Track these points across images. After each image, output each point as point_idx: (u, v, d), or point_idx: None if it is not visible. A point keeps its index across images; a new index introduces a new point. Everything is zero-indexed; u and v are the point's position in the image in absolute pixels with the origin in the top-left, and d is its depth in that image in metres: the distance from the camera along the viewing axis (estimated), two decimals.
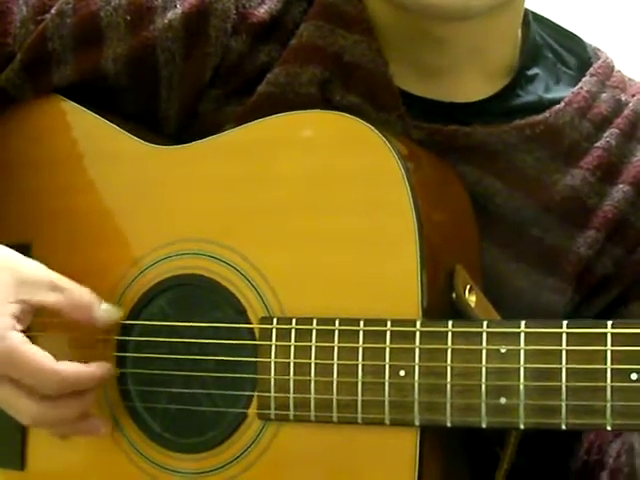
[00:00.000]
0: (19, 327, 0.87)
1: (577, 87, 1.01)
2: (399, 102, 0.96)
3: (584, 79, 1.02)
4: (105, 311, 0.91)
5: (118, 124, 0.98)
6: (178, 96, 0.99)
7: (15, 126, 1.02)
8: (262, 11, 0.98)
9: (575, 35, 1.07)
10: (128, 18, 0.97)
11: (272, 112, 0.92)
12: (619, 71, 1.04)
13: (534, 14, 1.06)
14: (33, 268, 0.90)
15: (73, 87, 1.00)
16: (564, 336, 0.79)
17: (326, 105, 0.96)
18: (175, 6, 0.97)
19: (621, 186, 0.99)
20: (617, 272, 1.00)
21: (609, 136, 1.00)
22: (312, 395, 0.86)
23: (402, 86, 0.98)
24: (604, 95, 1.01)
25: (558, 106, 0.99)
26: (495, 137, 0.97)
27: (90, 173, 0.99)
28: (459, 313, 0.86)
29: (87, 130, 0.99)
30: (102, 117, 0.99)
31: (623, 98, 1.02)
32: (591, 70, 1.03)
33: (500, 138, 0.97)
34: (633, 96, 1.03)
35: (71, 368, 0.88)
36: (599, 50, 1.06)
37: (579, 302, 1.00)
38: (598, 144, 1.00)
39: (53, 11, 0.98)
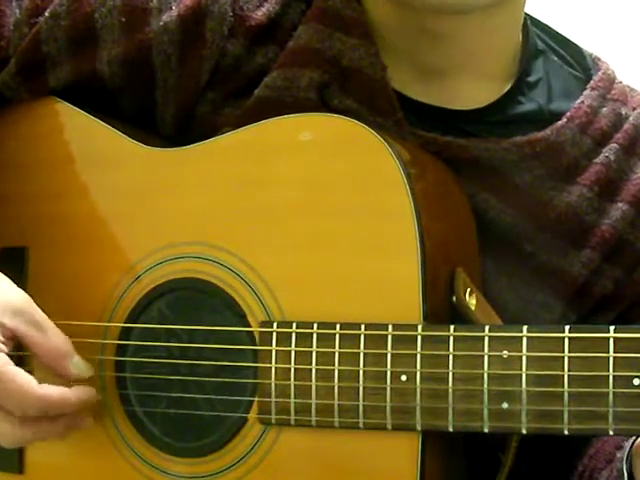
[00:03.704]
0: (4, 349, 0.86)
1: (578, 101, 1.00)
2: (396, 107, 0.96)
3: (585, 93, 1.01)
4: (76, 365, 0.89)
5: (115, 126, 0.97)
6: (174, 98, 0.99)
7: (11, 128, 1.02)
8: (260, 14, 0.97)
9: (573, 42, 1.07)
10: (123, 20, 0.96)
11: (270, 115, 0.91)
12: (620, 82, 1.04)
13: (532, 19, 1.05)
14: (22, 300, 0.88)
15: (70, 89, 1.00)
16: (566, 341, 0.79)
17: (324, 109, 0.95)
18: (171, 8, 0.96)
19: (620, 204, 0.99)
20: (617, 293, 1.00)
21: (608, 151, 0.99)
22: (313, 400, 0.86)
23: (401, 90, 0.97)
24: (604, 109, 1.00)
25: (560, 122, 0.98)
26: (492, 152, 0.96)
27: (86, 176, 0.98)
28: (460, 316, 0.86)
29: (84, 132, 0.99)
30: (99, 119, 0.98)
31: (623, 112, 1.01)
32: (591, 83, 1.02)
33: (498, 154, 0.96)
34: (634, 109, 1.02)
35: (55, 394, 0.86)
36: (599, 60, 1.05)
37: (578, 321, 0.99)
38: (597, 160, 0.99)
39: (47, 13, 0.97)
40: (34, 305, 0.88)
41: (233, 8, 0.97)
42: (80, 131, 0.99)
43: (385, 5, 0.96)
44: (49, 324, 0.88)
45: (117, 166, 0.97)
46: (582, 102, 1.00)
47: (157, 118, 1.00)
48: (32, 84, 0.99)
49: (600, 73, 1.03)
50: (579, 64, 1.04)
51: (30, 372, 0.86)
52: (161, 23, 0.96)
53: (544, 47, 1.04)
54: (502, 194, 0.96)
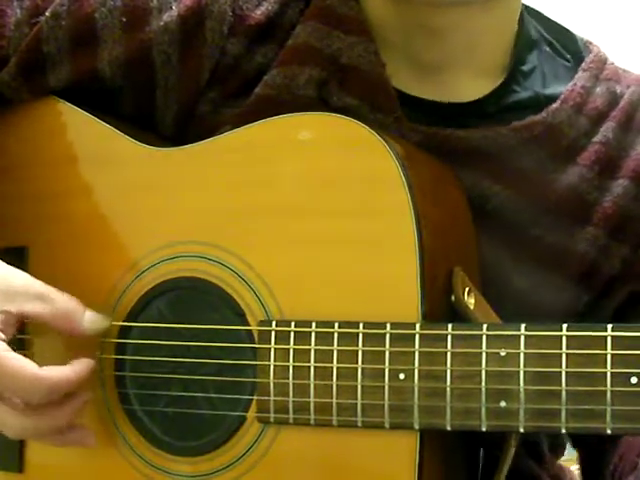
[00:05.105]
0: (3, 336, 0.86)
1: (571, 83, 1.00)
2: (396, 104, 0.96)
3: (577, 75, 1.01)
4: (90, 321, 0.90)
5: (116, 126, 0.98)
6: (175, 98, 0.99)
7: (12, 128, 1.02)
8: (259, 13, 0.98)
9: (566, 28, 1.07)
10: (123, 20, 0.97)
11: (269, 114, 0.91)
12: (612, 63, 1.04)
13: (528, 8, 1.05)
14: (20, 278, 0.89)
15: (70, 89, 1.00)
16: (564, 339, 0.79)
17: (323, 107, 0.96)
18: (171, 8, 0.96)
19: (621, 181, 0.99)
20: (626, 271, 0.99)
21: (606, 130, 0.99)
22: (312, 399, 0.86)
23: (399, 87, 0.98)
24: (598, 89, 1.01)
25: (554, 105, 0.99)
26: (492, 140, 0.96)
27: (87, 176, 0.98)
28: (458, 315, 0.86)
29: (84, 132, 0.99)
30: (99, 119, 0.98)
31: (618, 90, 1.01)
32: (583, 65, 1.02)
33: (497, 141, 0.97)
34: (628, 87, 1.02)
35: (55, 373, 0.86)
36: (590, 43, 1.05)
37: (591, 303, 0.99)
38: (595, 139, 0.99)
39: (47, 13, 0.98)
40: (32, 280, 0.89)
41: (233, 8, 0.97)
42: (81, 130, 0.99)
43: (383, 1, 0.97)
44: (52, 292, 0.89)
45: (118, 165, 0.97)
46: (575, 84, 1.00)
47: (157, 118, 1.01)
48: (32, 84, 1.00)
49: (592, 55, 1.03)
50: (570, 51, 1.04)
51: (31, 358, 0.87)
52: (161, 23, 0.96)
53: (538, 37, 1.04)
54: (504, 180, 0.97)
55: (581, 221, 0.98)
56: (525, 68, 1.02)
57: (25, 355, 0.87)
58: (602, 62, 1.03)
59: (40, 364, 0.86)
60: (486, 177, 0.97)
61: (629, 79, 1.03)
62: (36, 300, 0.88)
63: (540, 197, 0.97)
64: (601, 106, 1.00)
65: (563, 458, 1.09)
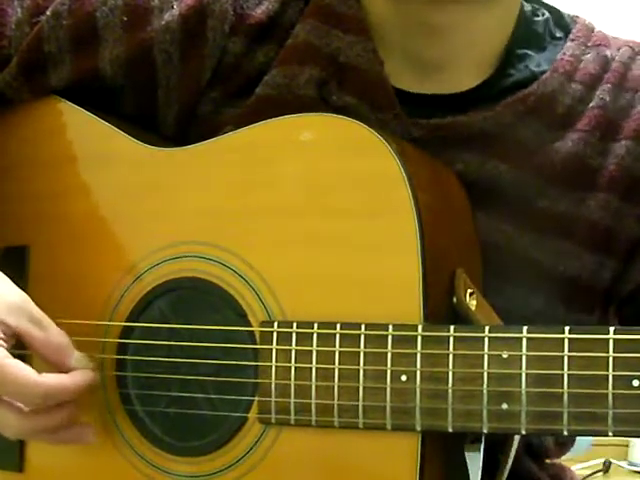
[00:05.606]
0: (4, 345, 0.86)
1: (560, 53, 1.01)
2: (395, 102, 0.96)
3: (566, 45, 1.02)
4: (77, 361, 0.90)
5: (117, 126, 0.97)
6: (176, 98, 0.99)
7: (13, 128, 1.02)
8: (259, 12, 0.98)
9: (554, 7, 1.06)
10: (125, 19, 0.97)
11: (271, 114, 0.91)
12: (600, 31, 1.04)
13: None
14: (21, 299, 0.89)
15: (71, 89, 1.00)
16: (566, 342, 0.79)
17: (323, 106, 0.96)
18: (172, 7, 0.96)
19: (623, 142, 0.98)
20: None
21: (602, 93, 0.99)
22: (313, 400, 0.86)
23: (398, 85, 0.98)
24: (589, 55, 1.01)
25: (544, 75, 0.99)
26: (491, 120, 0.97)
27: (88, 175, 0.98)
28: (460, 317, 0.86)
29: (86, 132, 0.99)
30: (101, 119, 0.98)
31: (608, 54, 1.01)
32: (571, 35, 1.02)
33: (496, 120, 0.97)
34: (618, 49, 1.02)
35: (53, 380, 0.86)
36: (576, 16, 1.05)
37: (616, 275, 0.99)
38: (593, 104, 0.99)
39: (48, 12, 0.98)
40: (32, 303, 0.89)
41: (234, 7, 0.97)
42: (82, 130, 0.99)
43: (384, 0, 0.96)
44: (48, 321, 0.89)
45: (119, 165, 0.97)
46: (564, 53, 1.01)
47: (159, 118, 1.01)
48: (34, 84, 1.00)
49: (578, 25, 1.03)
50: (560, 26, 1.04)
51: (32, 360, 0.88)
52: (163, 22, 0.96)
53: (531, 19, 1.04)
54: (509, 157, 0.97)
55: (588, 188, 0.97)
56: (519, 51, 1.02)
57: (25, 358, 0.87)
58: (589, 30, 1.03)
59: (41, 367, 0.87)
60: (491, 158, 0.96)
61: (618, 43, 1.03)
62: (32, 322, 0.88)
63: (545, 168, 0.97)
64: (593, 71, 1.00)
65: (564, 458, 1.09)
